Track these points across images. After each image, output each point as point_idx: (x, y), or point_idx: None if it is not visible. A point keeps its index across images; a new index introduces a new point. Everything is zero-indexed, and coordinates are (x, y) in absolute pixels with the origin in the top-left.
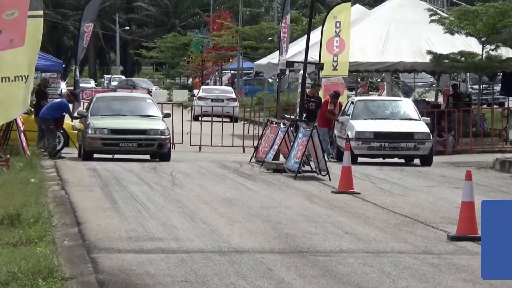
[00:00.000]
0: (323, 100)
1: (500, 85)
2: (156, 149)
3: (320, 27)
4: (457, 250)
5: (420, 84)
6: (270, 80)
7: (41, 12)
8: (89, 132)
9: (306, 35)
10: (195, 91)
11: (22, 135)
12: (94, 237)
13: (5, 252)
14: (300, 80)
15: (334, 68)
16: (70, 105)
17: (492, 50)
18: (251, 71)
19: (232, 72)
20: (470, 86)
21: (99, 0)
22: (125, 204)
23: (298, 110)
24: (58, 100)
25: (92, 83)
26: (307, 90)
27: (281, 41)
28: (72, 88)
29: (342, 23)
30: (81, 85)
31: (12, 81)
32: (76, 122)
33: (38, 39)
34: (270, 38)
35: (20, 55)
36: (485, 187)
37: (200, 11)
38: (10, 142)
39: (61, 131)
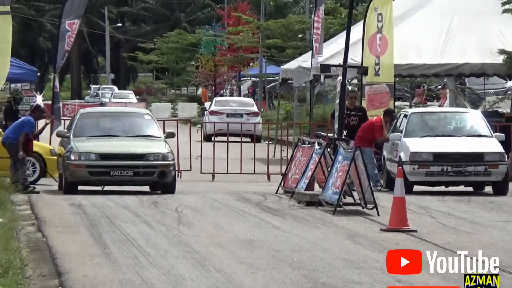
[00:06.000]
0: (369, 115)
1: None
2: (157, 178)
3: (362, 21)
4: None
5: (492, 91)
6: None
7: (8, 8)
8: (72, 158)
9: (345, 31)
10: (206, 104)
11: None
12: None
13: None
14: (338, 89)
15: (376, 73)
16: (44, 122)
17: None
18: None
19: (253, 79)
20: None
21: None
22: (118, 249)
23: (336, 126)
24: (23, 118)
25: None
26: (346, 102)
27: (313, 39)
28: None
29: (384, 17)
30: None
31: None
32: (56, 146)
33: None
34: (300, 35)
35: None
36: None
37: (212, 2)
38: None
39: (34, 155)
